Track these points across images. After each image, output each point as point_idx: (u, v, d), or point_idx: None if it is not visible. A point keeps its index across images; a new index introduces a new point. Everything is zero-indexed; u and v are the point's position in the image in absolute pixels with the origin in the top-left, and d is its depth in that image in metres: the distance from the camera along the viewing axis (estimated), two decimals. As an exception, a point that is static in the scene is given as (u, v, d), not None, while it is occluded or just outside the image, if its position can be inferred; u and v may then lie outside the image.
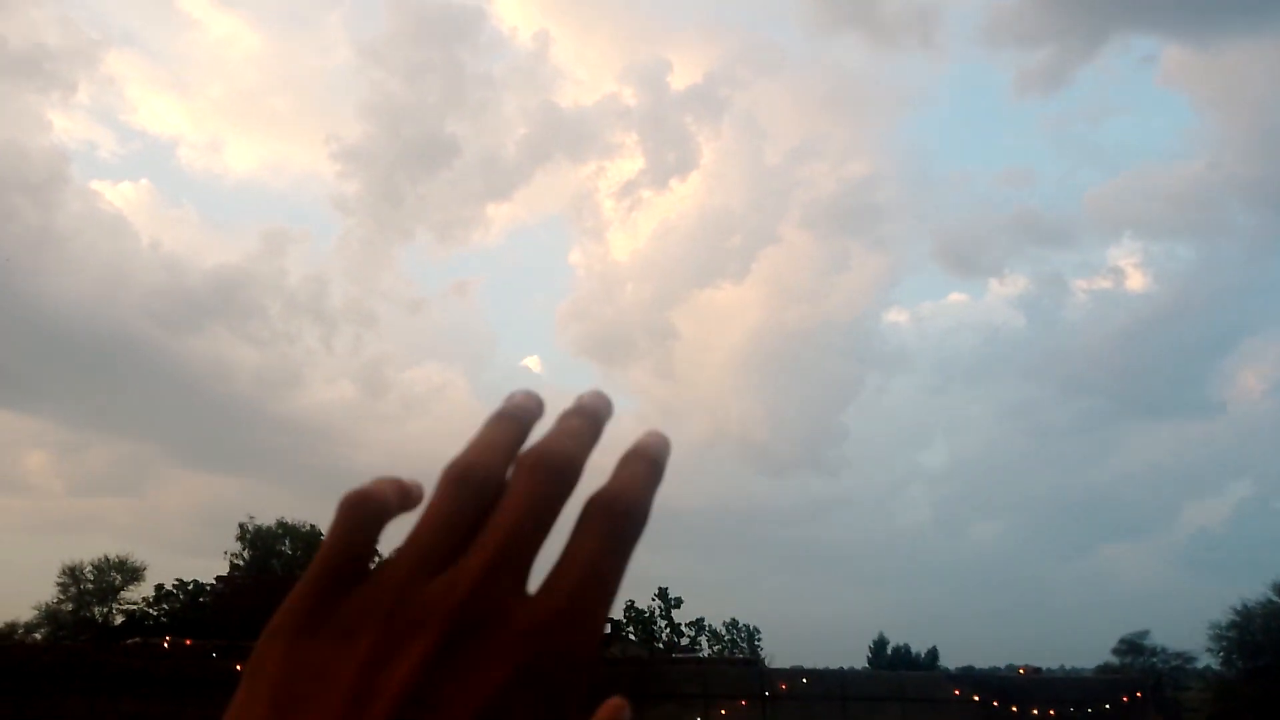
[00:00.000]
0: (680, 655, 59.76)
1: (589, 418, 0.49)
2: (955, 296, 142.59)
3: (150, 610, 52.97)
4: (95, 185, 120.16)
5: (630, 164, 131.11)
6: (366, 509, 0.44)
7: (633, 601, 68.46)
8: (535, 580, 0.43)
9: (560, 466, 0.45)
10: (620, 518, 0.45)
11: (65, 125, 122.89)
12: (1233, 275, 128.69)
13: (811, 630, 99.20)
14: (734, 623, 70.32)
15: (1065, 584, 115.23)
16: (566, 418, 0.48)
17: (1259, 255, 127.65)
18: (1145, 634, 59.79)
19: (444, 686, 0.39)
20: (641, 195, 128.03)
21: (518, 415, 0.49)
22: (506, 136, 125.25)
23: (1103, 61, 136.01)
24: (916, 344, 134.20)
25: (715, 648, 67.86)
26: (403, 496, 0.46)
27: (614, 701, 0.47)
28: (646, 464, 0.48)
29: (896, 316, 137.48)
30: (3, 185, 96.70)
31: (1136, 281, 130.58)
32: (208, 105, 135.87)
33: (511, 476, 0.45)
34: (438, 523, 0.44)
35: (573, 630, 0.42)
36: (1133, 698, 46.77)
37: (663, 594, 69.51)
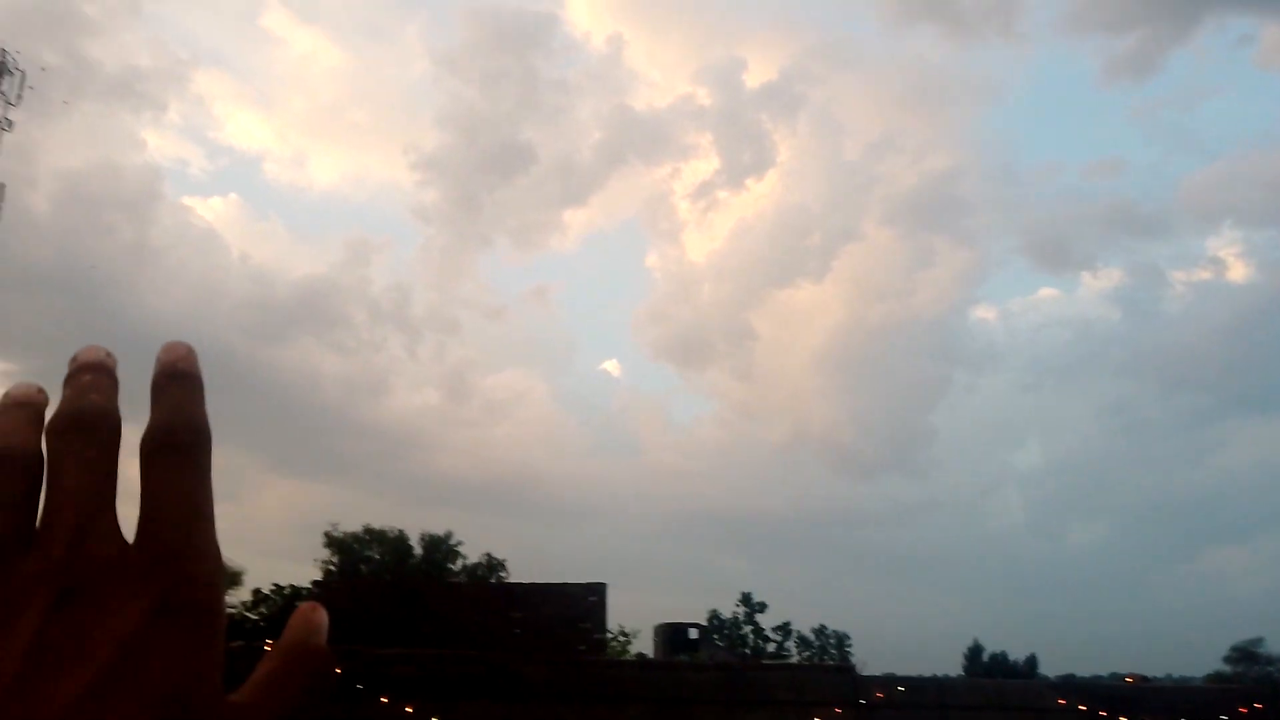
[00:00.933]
0: (771, 662, 58.91)
1: (94, 369, 0.48)
2: (1046, 291, 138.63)
3: (249, 614, 54.21)
4: (187, 201, 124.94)
5: (705, 165, 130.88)
6: None
7: (716, 610, 67.96)
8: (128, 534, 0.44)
9: (93, 419, 0.45)
10: (181, 446, 0.45)
11: (158, 143, 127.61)
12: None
13: (901, 637, 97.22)
14: (822, 629, 69.28)
15: (1169, 589, 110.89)
16: (74, 377, 0.47)
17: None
18: (1259, 641, 57.06)
19: (69, 640, 0.39)
20: (717, 196, 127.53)
21: (20, 400, 0.47)
22: (581, 141, 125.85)
23: (1196, 44, 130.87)
24: (1006, 341, 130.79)
25: (804, 654, 66.81)
26: None
27: (307, 605, 0.47)
28: (181, 382, 0.47)
29: (984, 313, 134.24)
30: (101, 203, 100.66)
31: (1238, 272, 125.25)
32: (291, 120, 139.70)
33: (48, 447, 0.45)
34: None
35: (191, 559, 0.42)
36: (1251, 709, 44.45)
37: (746, 599, 68.76)
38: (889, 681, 43.97)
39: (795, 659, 64.74)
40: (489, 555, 58.88)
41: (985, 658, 70.73)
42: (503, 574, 57.60)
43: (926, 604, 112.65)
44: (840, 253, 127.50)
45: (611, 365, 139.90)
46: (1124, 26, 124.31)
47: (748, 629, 67.30)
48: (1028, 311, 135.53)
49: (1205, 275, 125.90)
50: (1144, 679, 51.33)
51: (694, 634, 54.11)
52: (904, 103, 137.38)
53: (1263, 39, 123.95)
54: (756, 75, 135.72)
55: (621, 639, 54.21)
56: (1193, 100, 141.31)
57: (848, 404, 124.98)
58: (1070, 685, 48.47)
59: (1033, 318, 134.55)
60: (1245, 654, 56.20)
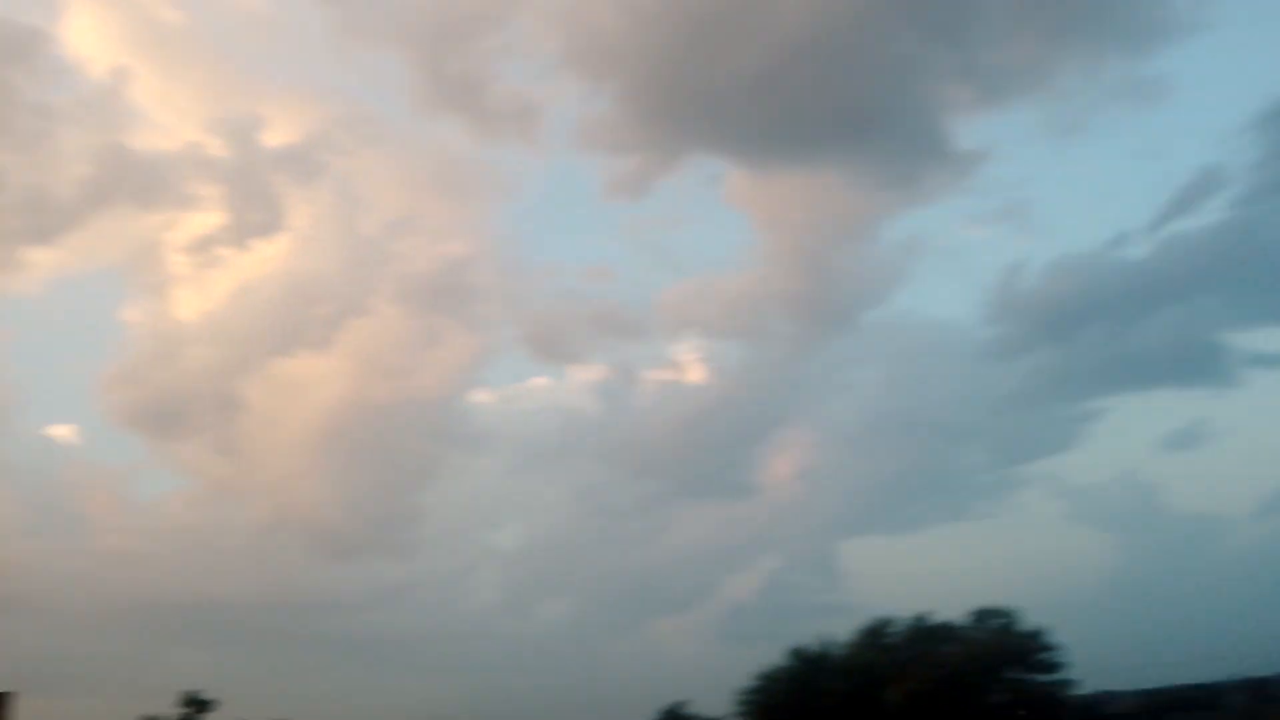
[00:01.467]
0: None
1: None
2: (538, 380, 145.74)
3: None
4: None
5: (209, 218, 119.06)
6: None
7: (157, 716, 59.31)
8: None
9: None
10: None
11: None
12: (771, 374, 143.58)
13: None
14: (276, 726, 63.38)
15: (620, 657, 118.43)
16: None
17: (792, 358, 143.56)
18: (684, 703, 62.40)
19: None
20: (219, 252, 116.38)
21: None
22: (61, 174, 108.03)
23: (679, 176, 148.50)
24: (500, 425, 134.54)
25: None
26: None
27: None
28: None
29: (483, 397, 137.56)
30: None
31: (695, 374, 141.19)
32: None
33: None
34: None
35: None
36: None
37: (190, 699, 61.11)
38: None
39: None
40: None
41: (444, 740, 69.58)
42: None
43: (393, 688, 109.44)
44: (348, 326, 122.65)
45: (63, 430, 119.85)
46: (624, 151, 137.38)
47: (188, 734, 59.36)
48: (521, 398, 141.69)
49: (669, 375, 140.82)
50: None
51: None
52: (426, 186, 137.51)
53: (728, 179, 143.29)
54: (276, 135, 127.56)
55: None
56: (673, 224, 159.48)
57: (338, 483, 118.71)
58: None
59: (525, 404, 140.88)
60: (672, 715, 60.88)
